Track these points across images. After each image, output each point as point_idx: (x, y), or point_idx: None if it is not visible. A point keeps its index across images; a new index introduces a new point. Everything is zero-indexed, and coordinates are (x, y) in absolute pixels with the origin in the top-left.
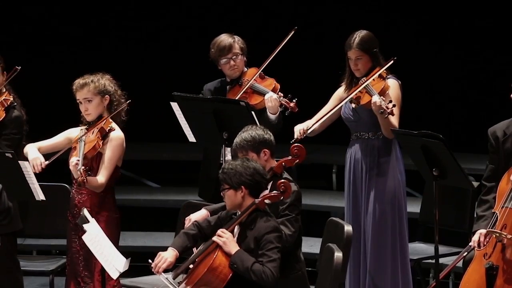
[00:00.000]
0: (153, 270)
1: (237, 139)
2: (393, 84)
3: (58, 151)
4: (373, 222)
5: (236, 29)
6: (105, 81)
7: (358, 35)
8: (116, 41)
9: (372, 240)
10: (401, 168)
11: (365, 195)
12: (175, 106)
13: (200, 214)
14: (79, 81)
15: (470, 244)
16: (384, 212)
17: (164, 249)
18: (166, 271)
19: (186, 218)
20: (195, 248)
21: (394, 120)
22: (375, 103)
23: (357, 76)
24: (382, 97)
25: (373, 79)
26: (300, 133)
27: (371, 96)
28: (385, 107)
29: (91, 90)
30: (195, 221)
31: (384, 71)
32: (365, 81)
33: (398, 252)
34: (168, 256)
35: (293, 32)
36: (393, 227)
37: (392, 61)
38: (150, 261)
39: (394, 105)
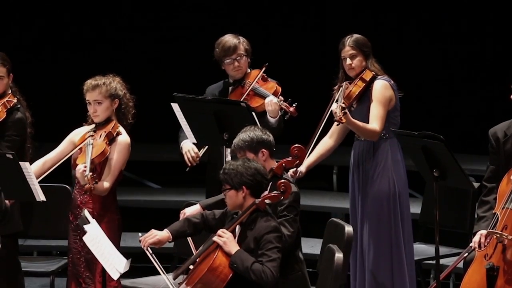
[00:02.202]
0: (140, 244)
1: (235, 140)
2: (378, 85)
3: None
4: (369, 223)
5: (239, 30)
6: (116, 84)
7: (351, 35)
8: (117, 41)
9: (369, 242)
10: (400, 171)
11: (361, 196)
12: (175, 107)
13: (195, 209)
14: (91, 82)
15: (470, 245)
16: (377, 214)
17: (165, 249)
18: (167, 270)
19: (181, 212)
20: (194, 247)
21: (375, 122)
22: (332, 110)
23: (351, 76)
24: (341, 103)
25: (356, 84)
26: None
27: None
28: (337, 115)
29: (103, 92)
30: (203, 211)
31: (372, 73)
32: (342, 86)
33: (394, 253)
34: (158, 233)
35: (264, 69)
36: (388, 229)
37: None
38: (140, 234)
39: (344, 113)
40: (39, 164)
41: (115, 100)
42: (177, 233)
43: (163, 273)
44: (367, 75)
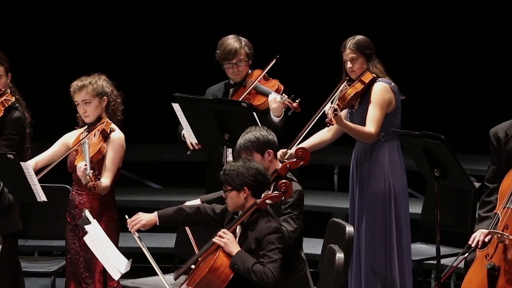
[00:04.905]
0: (128, 226)
1: (240, 140)
2: (377, 87)
3: (54, 162)
4: (365, 224)
5: (240, 29)
6: (102, 82)
7: (353, 37)
8: (117, 41)
9: (365, 242)
10: (397, 173)
11: (358, 197)
12: (176, 107)
13: (195, 203)
14: (76, 83)
15: (469, 242)
16: (374, 215)
17: (166, 249)
18: (168, 270)
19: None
20: (196, 246)
21: (371, 125)
22: (325, 111)
23: (353, 78)
24: (334, 104)
25: (353, 85)
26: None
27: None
28: (328, 116)
29: (90, 92)
30: (200, 204)
31: (373, 75)
32: (338, 87)
33: (387, 253)
34: (144, 217)
35: (274, 61)
36: (383, 229)
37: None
38: (126, 217)
39: (335, 115)
40: (31, 164)
41: (103, 98)
42: (165, 219)
43: (155, 265)
44: (367, 77)
